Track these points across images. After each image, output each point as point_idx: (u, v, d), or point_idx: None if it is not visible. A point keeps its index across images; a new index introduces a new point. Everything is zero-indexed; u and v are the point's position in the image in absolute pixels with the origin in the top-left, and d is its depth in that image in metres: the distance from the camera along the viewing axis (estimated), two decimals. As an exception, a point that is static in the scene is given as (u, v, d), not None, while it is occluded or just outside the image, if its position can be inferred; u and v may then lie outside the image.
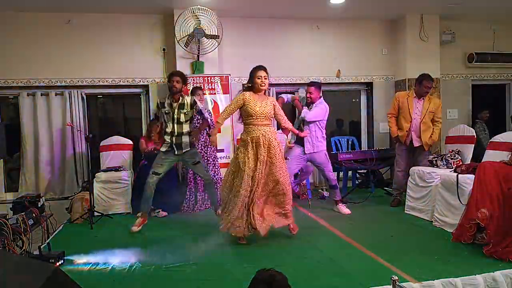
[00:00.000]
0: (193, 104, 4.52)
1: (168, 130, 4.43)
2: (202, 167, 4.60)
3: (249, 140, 3.81)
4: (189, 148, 4.49)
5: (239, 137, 5.94)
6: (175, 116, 4.43)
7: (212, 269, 3.26)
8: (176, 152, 4.44)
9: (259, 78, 3.90)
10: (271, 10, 6.07)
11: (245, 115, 3.90)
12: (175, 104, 4.43)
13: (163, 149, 4.45)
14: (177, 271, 3.24)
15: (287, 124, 4.18)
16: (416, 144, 5.07)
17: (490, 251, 3.29)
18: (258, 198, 3.77)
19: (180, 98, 4.46)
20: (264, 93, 3.99)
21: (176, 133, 4.42)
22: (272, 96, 6.47)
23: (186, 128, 4.47)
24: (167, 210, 5.13)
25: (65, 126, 5.83)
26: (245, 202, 3.72)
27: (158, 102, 4.54)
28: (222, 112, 4.04)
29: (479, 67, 7.08)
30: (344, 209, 4.94)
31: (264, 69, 3.96)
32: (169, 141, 4.42)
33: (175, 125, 4.43)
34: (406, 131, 5.09)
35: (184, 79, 4.52)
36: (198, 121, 4.98)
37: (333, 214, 4.89)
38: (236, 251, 3.68)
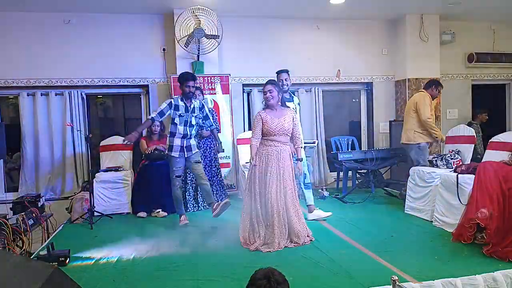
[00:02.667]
0: (202, 108, 4.61)
1: (180, 132, 4.45)
2: (201, 166, 4.69)
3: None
4: (196, 150, 4.62)
5: (239, 137, 6.00)
6: (188, 120, 4.48)
7: (212, 269, 3.26)
8: (186, 155, 4.50)
9: (265, 93, 3.88)
10: (271, 10, 6.07)
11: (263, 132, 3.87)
12: (189, 108, 4.49)
13: (174, 154, 4.46)
14: (177, 271, 3.24)
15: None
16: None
17: (490, 251, 3.29)
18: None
19: (192, 101, 4.53)
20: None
21: (188, 136, 4.49)
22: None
23: (194, 130, 4.60)
24: (167, 210, 5.13)
25: (65, 126, 5.82)
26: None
27: (172, 103, 4.45)
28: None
29: (479, 67, 7.08)
30: (322, 213, 4.63)
31: (271, 83, 3.91)
32: (179, 144, 4.45)
33: (187, 128, 4.48)
34: None
35: (195, 81, 4.61)
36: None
37: (333, 214, 4.86)
38: (236, 251, 3.68)
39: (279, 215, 3.71)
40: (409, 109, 5.26)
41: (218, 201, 4.57)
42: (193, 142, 4.57)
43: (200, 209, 5.31)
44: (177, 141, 4.45)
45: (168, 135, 4.57)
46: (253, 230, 3.77)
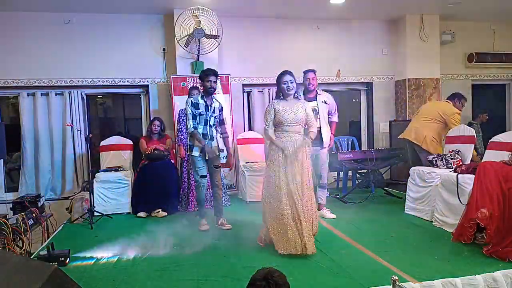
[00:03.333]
0: (221, 110, 4.44)
1: (200, 132, 4.27)
2: (220, 172, 4.52)
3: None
4: (217, 153, 4.42)
5: (239, 137, 6.00)
6: (208, 119, 4.32)
7: (212, 269, 3.26)
8: (206, 157, 4.29)
9: (285, 84, 3.80)
10: (271, 10, 6.08)
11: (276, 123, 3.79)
12: (209, 106, 4.32)
13: (195, 153, 4.28)
14: (177, 271, 3.24)
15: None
16: None
17: (490, 251, 3.29)
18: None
19: (212, 100, 4.38)
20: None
21: (208, 136, 4.32)
22: (272, 95, 6.51)
23: (214, 131, 4.40)
24: (167, 210, 5.13)
25: (65, 126, 5.83)
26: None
27: (192, 101, 4.28)
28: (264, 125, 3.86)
29: (479, 67, 7.08)
30: (328, 213, 4.73)
31: (289, 73, 3.85)
32: (200, 144, 4.26)
33: (207, 128, 4.31)
34: None
35: (217, 77, 4.41)
36: None
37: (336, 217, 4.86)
38: (237, 251, 3.68)
39: (303, 208, 3.59)
40: (432, 113, 5.13)
41: (223, 219, 4.42)
42: (214, 143, 4.37)
43: (196, 209, 5.30)
44: (197, 144, 4.28)
45: (186, 135, 4.38)
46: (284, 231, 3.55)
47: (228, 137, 4.62)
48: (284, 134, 3.74)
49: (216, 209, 4.50)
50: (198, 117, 4.27)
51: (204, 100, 4.31)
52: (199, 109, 4.28)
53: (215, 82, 4.34)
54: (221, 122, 4.50)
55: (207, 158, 4.30)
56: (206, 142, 4.28)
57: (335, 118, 4.82)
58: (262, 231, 3.80)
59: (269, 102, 6.46)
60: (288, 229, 3.50)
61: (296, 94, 3.88)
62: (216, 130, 4.46)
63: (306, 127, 3.88)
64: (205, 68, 5.88)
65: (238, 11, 6.10)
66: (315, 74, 4.62)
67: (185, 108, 4.31)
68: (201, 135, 4.27)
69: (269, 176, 3.69)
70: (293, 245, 3.47)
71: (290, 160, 3.61)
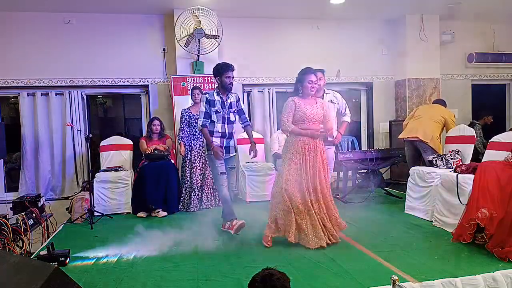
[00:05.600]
0: (238, 101, 4.25)
1: (219, 130, 4.10)
2: (233, 173, 4.44)
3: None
4: (234, 153, 4.31)
5: (239, 137, 5.99)
6: (226, 116, 4.14)
7: (212, 269, 3.26)
8: (224, 155, 4.13)
9: (310, 83, 3.79)
10: (271, 10, 6.07)
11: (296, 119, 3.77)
12: (225, 103, 4.13)
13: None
14: (177, 271, 3.24)
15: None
16: None
17: (489, 250, 3.29)
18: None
19: (228, 96, 4.19)
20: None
21: (227, 135, 4.16)
22: (272, 95, 6.51)
23: (234, 129, 4.24)
24: (167, 210, 5.13)
25: (65, 126, 5.83)
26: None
27: (207, 98, 4.08)
28: (283, 124, 3.79)
29: (479, 67, 7.08)
30: None
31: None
32: (219, 143, 4.10)
33: (226, 126, 4.15)
34: None
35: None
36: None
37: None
38: (237, 251, 3.68)
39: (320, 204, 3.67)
40: (436, 115, 5.22)
41: (229, 222, 4.15)
42: (232, 143, 4.23)
43: (202, 208, 5.31)
44: (216, 141, 4.09)
45: (187, 134, 4.27)
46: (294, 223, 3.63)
47: (249, 125, 4.38)
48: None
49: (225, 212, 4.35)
50: (214, 114, 4.08)
51: (220, 97, 4.12)
52: (215, 106, 4.08)
53: (233, 78, 4.18)
54: (241, 112, 4.29)
55: (220, 156, 4.10)
56: (225, 141, 4.14)
57: (346, 118, 4.82)
58: (267, 230, 3.77)
59: (269, 102, 6.48)
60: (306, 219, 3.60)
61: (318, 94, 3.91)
62: (240, 123, 4.33)
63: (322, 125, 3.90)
64: (205, 68, 5.92)
65: (238, 11, 6.10)
66: (323, 74, 4.62)
67: (200, 105, 4.17)
68: (220, 133, 4.12)
69: (290, 169, 3.67)
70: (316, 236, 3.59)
71: (310, 160, 3.66)
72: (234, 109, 4.20)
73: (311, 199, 3.65)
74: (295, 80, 3.88)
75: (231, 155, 4.27)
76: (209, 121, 4.08)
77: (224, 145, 4.16)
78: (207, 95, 4.15)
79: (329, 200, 3.78)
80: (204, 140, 4.26)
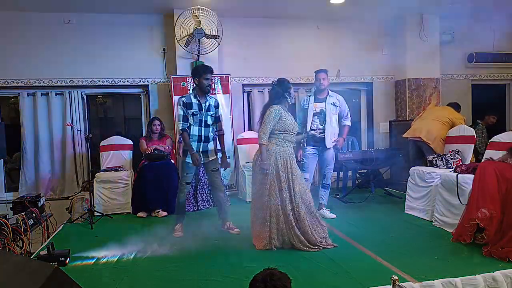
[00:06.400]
0: (217, 107, 4.19)
1: (195, 134, 4.06)
2: (219, 175, 4.34)
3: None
4: (214, 156, 4.22)
5: (239, 137, 6.00)
6: (203, 119, 4.09)
7: (212, 269, 3.26)
8: (202, 161, 4.12)
9: (290, 94, 3.82)
10: (271, 10, 6.07)
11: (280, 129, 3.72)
12: (203, 105, 4.08)
13: (188, 160, 4.06)
14: (177, 271, 3.25)
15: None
16: None
17: (489, 251, 3.29)
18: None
19: (207, 98, 4.14)
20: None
21: (203, 138, 4.09)
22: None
23: (211, 132, 4.17)
24: (167, 210, 5.13)
25: (65, 126, 5.83)
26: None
27: (184, 102, 4.04)
28: (263, 134, 3.69)
29: (479, 67, 7.08)
30: (328, 213, 4.71)
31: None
32: (195, 148, 4.05)
33: (203, 129, 4.08)
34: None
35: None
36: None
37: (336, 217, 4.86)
38: (237, 251, 3.68)
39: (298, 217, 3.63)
40: (442, 116, 5.20)
41: (230, 223, 4.27)
42: (211, 146, 4.15)
43: (200, 209, 5.31)
44: (192, 145, 4.04)
45: (180, 138, 4.15)
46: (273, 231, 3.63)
47: (223, 134, 4.34)
48: (286, 144, 3.73)
49: (221, 213, 4.36)
50: (191, 117, 4.04)
51: (198, 99, 4.08)
52: (192, 109, 4.04)
53: (212, 80, 4.13)
54: (217, 120, 4.26)
55: (202, 161, 4.14)
56: (202, 145, 4.10)
57: (347, 122, 4.80)
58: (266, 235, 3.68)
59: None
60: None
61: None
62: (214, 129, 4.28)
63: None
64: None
65: (238, 11, 6.10)
66: (327, 74, 4.63)
67: (176, 109, 4.12)
68: (197, 137, 4.08)
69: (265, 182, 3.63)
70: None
71: (284, 176, 3.61)
72: (212, 113, 4.15)
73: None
74: (278, 88, 3.84)
75: (211, 159, 4.19)
76: (188, 125, 4.04)
77: (202, 149, 4.12)
78: (183, 98, 4.10)
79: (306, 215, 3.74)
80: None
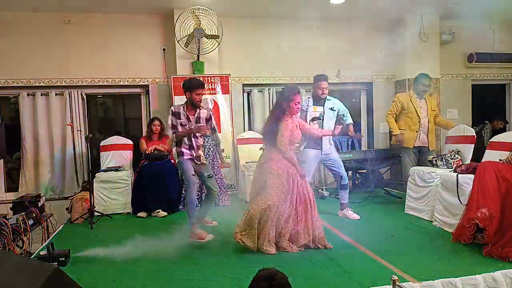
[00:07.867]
0: (209, 119, 4.23)
1: (186, 142, 4.11)
2: (214, 181, 4.36)
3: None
4: (206, 162, 4.30)
5: (239, 137, 6.00)
6: None
7: (212, 269, 3.26)
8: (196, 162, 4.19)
9: (297, 104, 3.73)
10: (271, 10, 6.07)
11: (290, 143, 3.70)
12: (192, 118, 4.12)
13: (182, 158, 4.11)
14: (177, 271, 3.25)
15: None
16: (425, 144, 5.22)
17: (489, 251, 3.29)
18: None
19: (198, 111, 4.18)
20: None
21: (194, 147, 4.14)
22: (272, 95, 6.51)
23: (201, 141, 4.25)
24: (167, 210, 5.13)
25: (65, 126, 5.82)
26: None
27: (173, 111, 4.11)
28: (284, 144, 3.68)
29: (479, 67, 7.08)
30: (352, 214, 4.69)
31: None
32: (189, 153, 4.12)
33: (192, 139, 4.12)
34: (416, 131, 5.17)
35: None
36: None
37: (332, 214, 4.87)
38: (236, 251, 3.68)
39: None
40: (432, 111, 5.28)
41: (207, 220, 4.38)
42: (200, 153, 4.20)
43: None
44: (185, 152, 4.10)
45: (174, 144, 4.18)
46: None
47: (219, 143, 4.51)
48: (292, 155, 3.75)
49: (203, 210, 4.36)
50: (180, 127, 4.09)
51: (185, 111, 4.11)
52: (180, 119, 4.09)
53: (202, 95, 4.17)
54: (213, 131, 4.36)
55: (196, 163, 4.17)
56: (194, 153, 4.13)
57: (350, 120, 4.85)
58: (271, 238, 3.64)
59: (269, 102, 6.48)
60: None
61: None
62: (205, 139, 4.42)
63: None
64: (205, 68, 5.92)
65: (238, 11, 6.10)
66: (327, 81, 4.63)
67: (168, 118, 4.19)
68: (188, 145, 4.10)
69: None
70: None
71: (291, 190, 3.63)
72: (201, 124, 4.14)
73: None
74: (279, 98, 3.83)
75: (198, 163, 4.18)
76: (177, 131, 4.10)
77: (195, 155, 4.16)
78: (172, 107, 4.20)
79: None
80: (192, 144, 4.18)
